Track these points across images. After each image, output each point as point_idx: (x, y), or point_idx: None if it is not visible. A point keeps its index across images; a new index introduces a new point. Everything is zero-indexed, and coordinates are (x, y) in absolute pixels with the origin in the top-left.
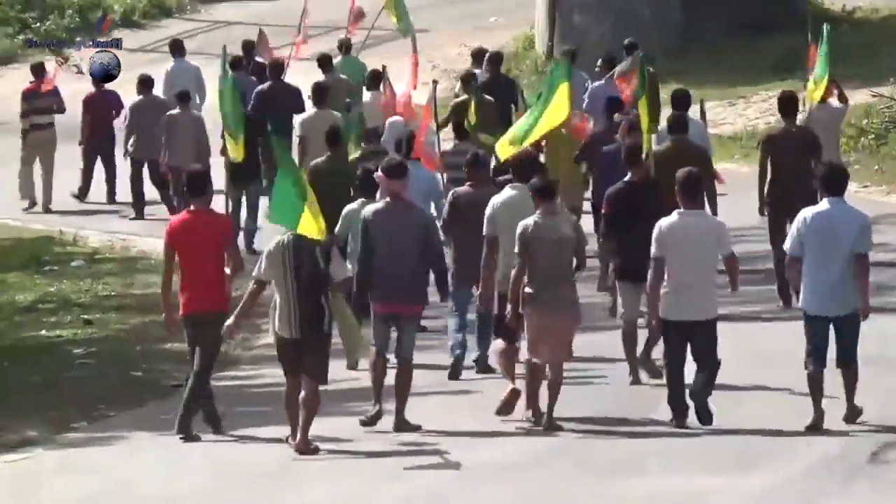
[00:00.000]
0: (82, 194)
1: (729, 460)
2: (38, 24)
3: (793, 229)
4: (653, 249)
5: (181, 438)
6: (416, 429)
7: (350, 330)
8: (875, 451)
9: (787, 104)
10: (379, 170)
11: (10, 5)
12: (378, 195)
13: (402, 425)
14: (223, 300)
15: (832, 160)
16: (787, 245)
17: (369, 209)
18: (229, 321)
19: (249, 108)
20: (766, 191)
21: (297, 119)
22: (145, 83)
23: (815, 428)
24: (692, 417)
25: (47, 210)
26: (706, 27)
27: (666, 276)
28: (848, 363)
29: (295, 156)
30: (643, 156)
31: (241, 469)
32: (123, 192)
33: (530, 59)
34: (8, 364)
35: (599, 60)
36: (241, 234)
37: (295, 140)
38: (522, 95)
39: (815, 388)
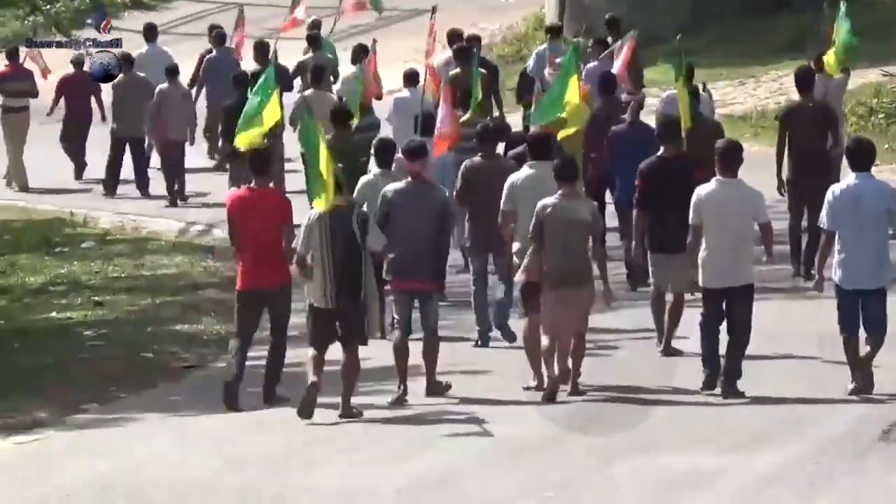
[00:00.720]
0: (79, 174)
1: (739, 438)
2: (47, 7)
3: (824, 204)
4: (690, 217)
5: (269, 405)
6: (448, 388)
7: (370, 304)
8: (886, 430)
9: (805, 79)
10: (400, 151)
11: None
12: (394, 166)
13: (434, 388)
14: (282, 275)
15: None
16: (821, 220)
17: (390, 188)
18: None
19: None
20: (781, 164)
21: (296, 99)
22: (127, 61)
23: (858, 392)
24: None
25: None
26: (717, 6)
27: (703, 244)
28: (876, 331)
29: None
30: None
31: (250, 450)
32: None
33: (540, 40)
34: (18, 346)
35: (591, 41)
36: None
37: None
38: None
39: (851, 354)
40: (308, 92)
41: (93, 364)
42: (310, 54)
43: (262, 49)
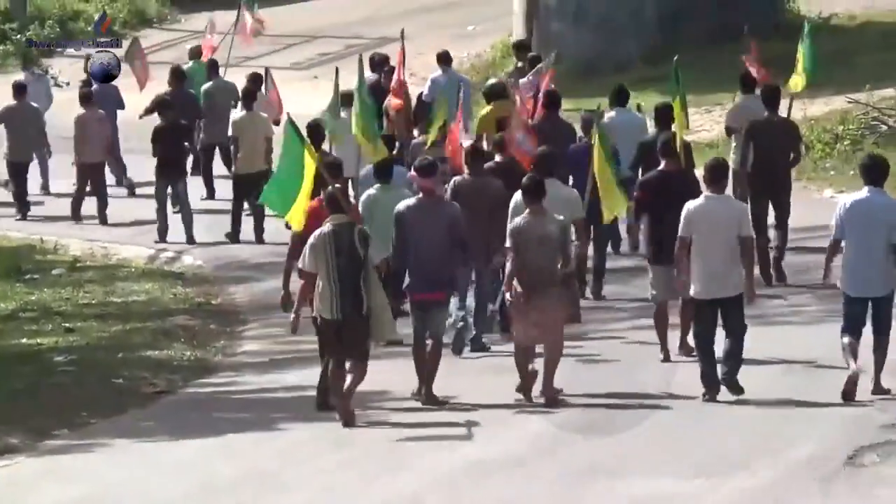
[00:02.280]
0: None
1: (707, 461)
2: (18, 36)
3: (835, 214)
4: (680, 229)
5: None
6: (443, 403)
7: (381, 311)
8: (851, 455)
9: (771, 96)
10: (412, 169)
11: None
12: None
13: (430, 400)
14: None
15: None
16: (832, 227)
17: (403, 204)
18: (292, 318)
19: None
20: (746, 176)
21: (231, 120)
22: (18, 89)
23: (853, 382)
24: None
25: None
26: (683, 34)
27: (694, 258)
28: (882, 334)
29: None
30: (677, 148)
31: (221, 475)
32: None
33: (507, 67)
34: None
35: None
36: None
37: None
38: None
39: (851, 353)
40: (237, 117)
41: (64, 390)
42: (211, 82)
43: (176, 74)
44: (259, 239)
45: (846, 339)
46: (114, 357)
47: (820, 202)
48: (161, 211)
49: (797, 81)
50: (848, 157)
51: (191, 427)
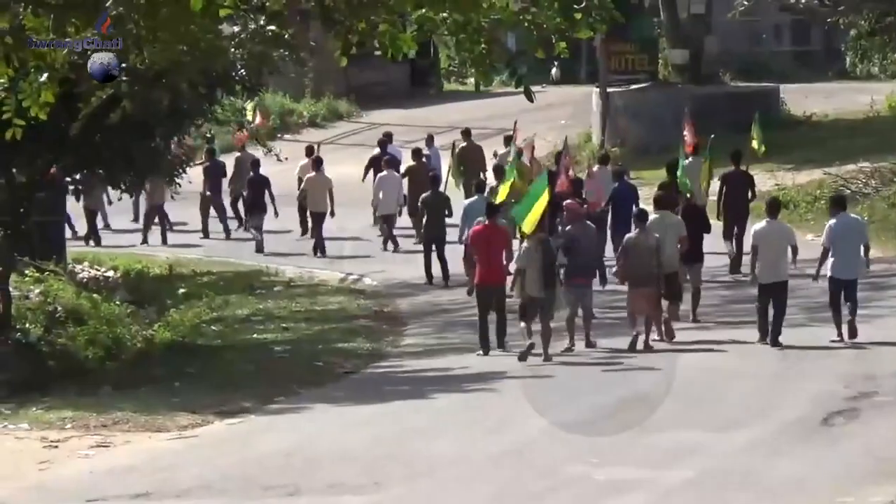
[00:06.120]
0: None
1: (718, 419)
2: (252, 125)
3: (824, 233)
4: (752, 242)
5: (484, 352)
6: (594, 345)
7: (557, 292)
8: (825, 418)
9: (736, 156)
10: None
11: (232, 112)
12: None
13: (588, 342)
14: (503, 277)
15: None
16: (822, 241)
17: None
18: (513, 291)
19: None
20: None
21: (305, 177)
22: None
23: (841, 340)
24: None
25: None
26: (708, 125)
27: (760, 258)
28: (854, 306)
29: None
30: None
31: (390, 428)
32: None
33: (588, 149)
34: (230, 357)
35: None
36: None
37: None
38: None
39: (836, 314)
40: (310, 175)
41: (281, 370)
42: (239, 153)
43: (210, 152)
44: (314, 252)
45: (833, 306)
46: (315, 347)
47: (804, 243)
48: (256, 235)
49: (758, 147)
50: (823, 212)
51: (368, 396)
